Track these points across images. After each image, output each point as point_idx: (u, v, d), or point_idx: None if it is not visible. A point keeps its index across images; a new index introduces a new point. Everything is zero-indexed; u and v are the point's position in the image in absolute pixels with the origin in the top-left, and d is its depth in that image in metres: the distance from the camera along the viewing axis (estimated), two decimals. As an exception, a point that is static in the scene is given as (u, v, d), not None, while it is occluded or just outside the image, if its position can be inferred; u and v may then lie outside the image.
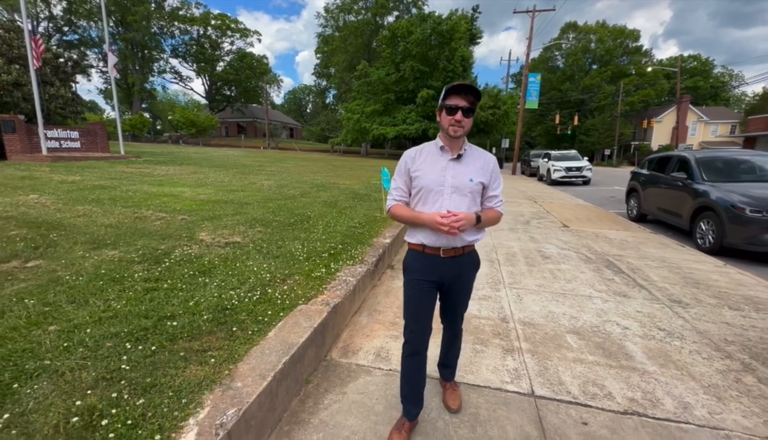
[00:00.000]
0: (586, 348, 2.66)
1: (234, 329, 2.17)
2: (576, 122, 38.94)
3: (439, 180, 1.64)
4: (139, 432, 1.38)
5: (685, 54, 57.75)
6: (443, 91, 1.59)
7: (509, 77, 38.42)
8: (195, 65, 50.82)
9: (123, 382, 1.65)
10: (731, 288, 3.94)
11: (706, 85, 51.50)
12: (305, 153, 34.68)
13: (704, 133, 43.09)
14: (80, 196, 6.13)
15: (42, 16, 38.80)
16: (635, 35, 51.52)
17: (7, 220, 4.27)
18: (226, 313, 2.35)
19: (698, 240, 5.79)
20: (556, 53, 54.68)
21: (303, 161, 20.58)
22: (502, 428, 1.87)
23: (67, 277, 2.75)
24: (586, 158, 18.53)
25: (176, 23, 47.50)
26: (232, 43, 51.93)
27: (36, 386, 1.60)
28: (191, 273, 2.99)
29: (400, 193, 1.76)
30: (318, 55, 48.42)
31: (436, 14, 30.23)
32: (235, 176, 10.58)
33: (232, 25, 50.30)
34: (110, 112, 64.14)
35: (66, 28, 41.43)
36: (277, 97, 74.69)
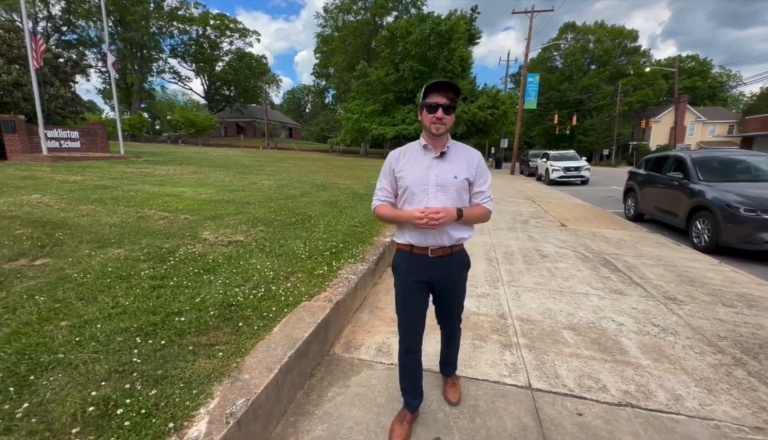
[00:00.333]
0: (582, 343, 2.73)
1: (240, 324, 2.24)
2: (574, 122, 39.07)
3: (423, 179, 1.64)
4: (153, 420, 1.45)
5: (684, 54, 57.98)
6: (423, 90, 1.61)
7: (508, 77, 38.52)
8: (194, 65, 50.87)
9: (135, 374, 1.71)
10: (725, 286, 4.02)
11: (704, 85, 51.70)
12: (304, 153, 34.73)
13: (702, 133, 43.27)
14: (83, 195, 6.18)
15: (41, 15, 38.77)
16: (633, 35, 51.72)
17: (12, 220, 4.32)
18: (232, 309, 2.42)
19: (694, 239, 5.87)
20: (555, 53, 54.84)
21: (302, 161, 20.64)
22: (500, 419, 1.94)
23: (75, 275, 2.81)
24: (584, 158, 18.63)
25: (175, 23, 47.56)
26: (231, 43, 52.06)
27: (51, 378, 1.66)
28: (196, 271, 3.05)
29: (384, 193, 1.76)
30: (317, 55, 48.51)
31: (435, 14, 30.30)
32: (235, 176, 10.63)
33: (231, 25, 50.38)
34: (109, 112, 64.16)
35: (65, 28, 41.42)
36: (276, 97, 74.81)
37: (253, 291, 2.70)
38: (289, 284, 2.92)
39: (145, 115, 46.64)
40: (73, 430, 1.38)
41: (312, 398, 2.06)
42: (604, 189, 15.19)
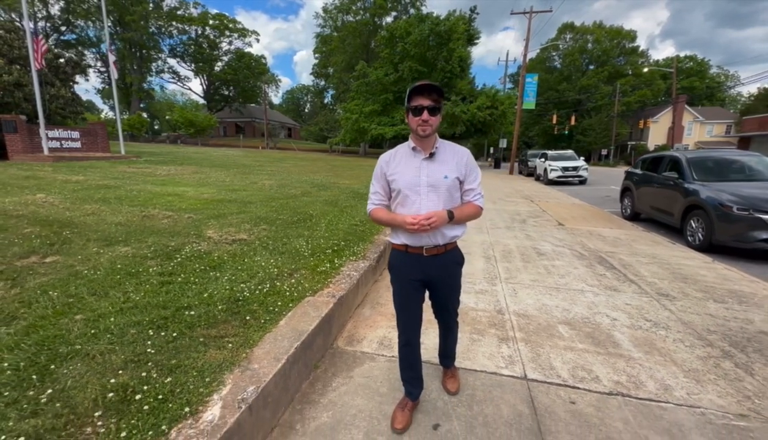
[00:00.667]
0: (576, 337, 2.83)
1: (247, 318, 2.33)
2: (573, 122, 39.22)
3: (414, 180, 1.67)
4: (170, 405, 1.54)
5: (682, 54, 58.24)
6: (407, 94, 1.63)
7: (507, 77, 38.62)
8: (193, 65, 50.89)
9: (150, 364, 1.80)
10: (717, 283, 4.12)
11: (702, 85, 51.94)
12: (304, 153, 34.81)
13: (700, 133, 43.47)
14: (86, 195, 6.26)
15: (40, 15, 38.77)
16: (632, 36, 51.92)
17: (20, 219, 4.40)
18: (239, 304, 2.51)
19: (688, 238, 5.98)
20: (554, 54, 55.00)
21: (302, 161, 20.72)
22: (497, 406, 2.03)
23: (85, 271, 2.90)
24: (582, 158, 18.75)
25: (174, 23, 47.57)
26: (230, 43, 52.08)
27: (71, 367, 1.75)
28: (202, 268, 3.14)
29: (378, 197, 1.80)
30: (316, 55, 48.56)
31: (434, 15, 30.41)
32: (236, 176, 10.71)
33: (230, 25, 50.40)
34: (108, 112, 64.15)
35: (63, 28, 41.40)
36: (275, 97, 74.83)
37: (259, 287, 2.79)
38: (293, 280, 3.01)
39: (144, 115, 46.68)
40: (96, 414, 1.47)
41: (317, 388, 2.15)
42: (602, 188, 15.31)
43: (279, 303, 2.56)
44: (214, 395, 1.63)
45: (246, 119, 54.87)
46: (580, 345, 2.70)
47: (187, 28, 48.67)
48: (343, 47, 40.12)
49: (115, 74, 15.61)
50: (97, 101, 68.28)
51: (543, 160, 18.97)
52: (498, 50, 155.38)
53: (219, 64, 51.87)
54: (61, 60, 16.68)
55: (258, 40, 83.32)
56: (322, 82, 53.00)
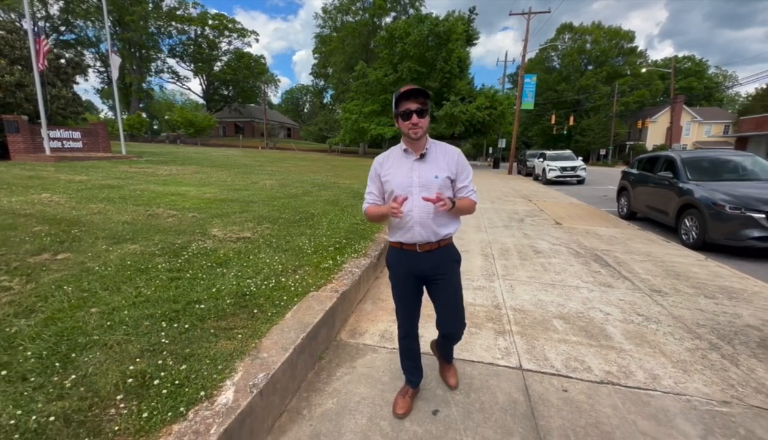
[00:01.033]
0: (570, 330, 2.94)
1: (255, 311, 2.44)
2: (572, 122, 39.38)
3: (406, 181, 1.72)
4: (186, 390, 1.64)
5: (680, 55, 58.60)
6: (393, 100, 1.67)
7: (506, 77, 38.75)
8: (192, 65, 50.93)
9: (165, 353, 1.91)
10: (709, 280, 4.24)
11: (700, 85, 52.19)
12: (303, 153, 34.90)
13: (698, 133, 43.69)
14: (90, 194, 6.36)
15: (39, 15, 38.80)
16: (630, 36, 52.11)
17: (28, 217, 4.50)
18: (246, 298, 2.61)
19: (683, 236, 6.10)
20: (552, 54, 55.17)
21: (302, 161, 20.82)
22: (493, 394, 2.14)
23: (97, 268, 3.00)
24: (580, 158, 18.90)
25: (174, 23, 47.60)
26: (229, 43, 52.11)
27: (90, 355, 1.85)
28: (209, 264, 3.25)
29: (372, 197, 1.87)
30: (316, 56, 48.61)
31: (434, 15, 30.55)
32: (237, 176, 10.81)
33: (230, 25, 50.44)
34: (107, 112, 64.17)
35: (63, 28, 41.44)
36: (275, 97, 74.90)
37: (265, 283, 2.89)
38: (297, 276, 3.11)
39: (143, 115, 46.70)
40: (118, 397, 1.58)
41: (322, 377, 2.26)
42: (600, 188, 15.44)
43: (284, 298, 2.66)
44: (227, 381, 1.73)
45: (245, 119, 54.94)
46: (573, 338, 2.81)
47: (186, 28, 48.72)
48: (342, 47, 40.22)
49: (115, 74, 15.69)
50: (96, 101, 68.31)
51: (541, 159, 19.10)
52: (497, 50, 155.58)
53: (218, 64, 51.95)
54: (62, 60, 16.74)
55: (257, 40, 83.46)
56: (322, 82, 53.07)
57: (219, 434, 1.42)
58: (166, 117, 51.22)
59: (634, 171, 8.49)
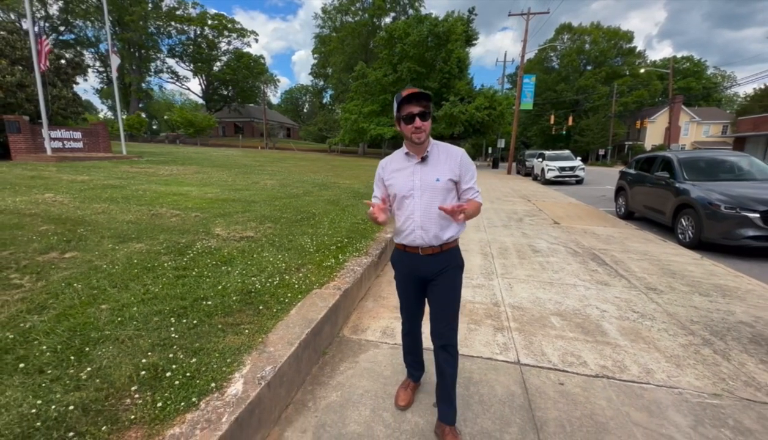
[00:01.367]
0: (567, 327, 3.01)
1: (260, 308, 2.50)
2: (571, 122, 39.57)
3: (408, 185, 1.71)
4: (197, 381, 1.71)
5: (679, 55, 58.79)
6: (395, 103, 1.65)
7: (505, 77, 38.90)
8: (192, 65, 50.93)
9: (175, 347, 1.98)
10: (704, 278, 4.31)
11: (699, 86, 52.36)
12: (303, 153, 34.96)
13: (696, 133, 43.85)
14: (94, 194, 6.42)
15: (38, 15, 38.79)
16: (629, 36, 52.26)
17: (34, 217, 4.56)
18: (251, 295, 2.68)
19: (679, 236, 6.18)
20: (551, 54, 55.30)
21: (302, 161, 20.88)
22: (492, 387, 2.21)
23: (104, 266, 3.06)
24: (579, 158, 18.98)
25: (173, 23, 47.61)
26: (229, 43, 52.12)
27: (104, 349, 1.92)
28: (214, 263, 3.31)
29: (377, 200, 1.84)
30: (315, 56, 48.70)
31: (433, 16, 30.63)
32: (237, 176, 10.87)
33: (229, 25, 50.45)
34: (106, 112, 64.14)
35: (62, 28, 41.44)
36: (274, 97, 74.91)
37: (269, 280, 2.96)
38: (300, 274, 3.18)
39: (143, 115, 46.72)
40: (132, 388, 1.64)
41: (326, 371, 2.33)
42: (599, 188, 15.52)
43: (289, 295, 2.73)
44: (236, 373, 1.80)
45: (245, 119, 54.98)
46: (570, 334, 2.89)
47: (185, 28, 48.73)
48: (342, 48, 40.28)
49: (115, 74, 15.74)
50: (95, 101, 68.24)
51: (540, 160, 19.19)
52: (496, 50, 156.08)
53: (218, 64, 51.96)
54: (62, 61, 16.79)
55: (257, 41, 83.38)
56: (321, 82, 53.15)
57: (230, 422, 1.49)
58: (165, 117, 51.28)
59: (632, 171, 8.57)
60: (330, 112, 56.80)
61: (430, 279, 1.80)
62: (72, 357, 1.83)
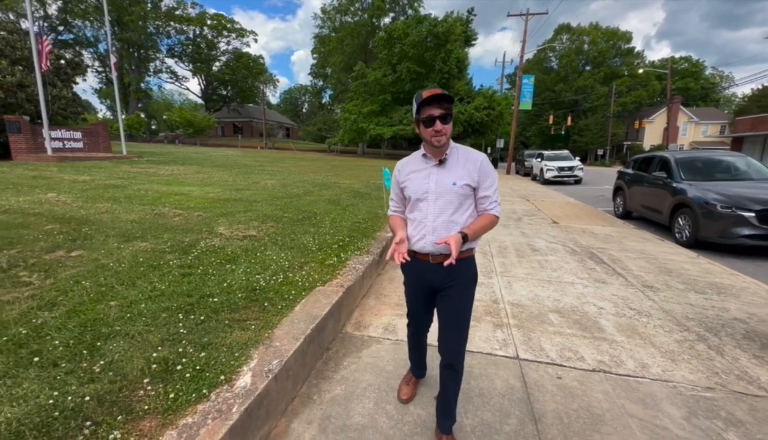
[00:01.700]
0: (565, 323, 3.08)
1: (265, 304, 2.56)
2: (569, 123, 39.64)
3: (422, 187, 1.64)
4: (207, 374, 1.77)
5: (677, 55, 58.86)
6: (414, 105, 1.58)
7: (504, 78, 39.01)
8: (191, 65, 50.93)
9: (184, 342, 2.03)
10: (700, 276, 4.38)
11: (697, 86, 52.57)
12: (302, 153, 35.00)
13: (695, 133, 44.01)
14: (96, 194, 6.46)
15: (37, 15, 38.74)
16: (627, 37, 52.43)
17: (38, 216, 4.61)
18: (256, 292, 2.74)
19: (676, 235, 6.25)
20: (550, 54, 55.45)
21: (301, 161, 20.93)
22: (491, 381, 2.28)
23: (111, 264, 3.12)
24: (577, 158, 19.07)
25: (172, 23, 47.60)
26: (228, 43, 52.12)
27: (115, 344, 1.98)
28: (218, 261, 3.37)
29: (394, 204, 1.84)
30: (314, 56, 48.76)
31: (432, 16, 30.73)
32: (238, 176, 10.92)
33: (228, 25, 50.44)
34: (105, 112, 64.08)
35: (61, 28, 41.41)
36: (273, 97, 74.91)
37: (273, 278, 3.02)
38: (303, 272, 3.24)
39: (142, 115, 46.71)
40: (145, 380, 1.70)
41: (330, 366, 2.39)
42: (597, 188, 15.61)
43: (293, 292, 2.79)
44: (244, 367, 1.86)
45: (244, 119, 55.00)
46: (568, 331, 2.95)
47: (185, 28, 48.72)
48: (341, 48, 40.34)
49: (114, 74, 15.77)
50: (94, 101, 68.10)
51: (539, 160, 19.27)
52: (495, 50, 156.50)
53: (217, 64, 51.97)
54: (62, 61, 16.81)
55: (256, 41, 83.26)
56: (320, 83, 53.23)
57: (240, 413, 1.54)
58: (164, 117, 51.24)
59: (630, 171, 8.65)
60: (329, 112, 56.85)
61: (440, 289, 1.71)
62: (84, 352, 1.89)
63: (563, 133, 45.07)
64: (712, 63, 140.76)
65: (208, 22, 48.90)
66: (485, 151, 45.22)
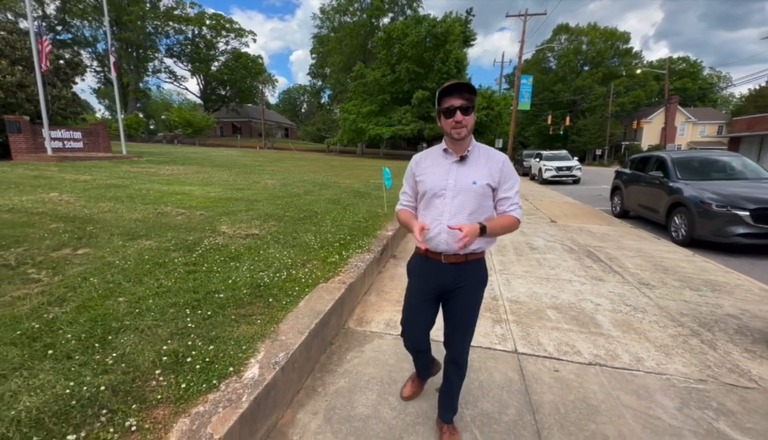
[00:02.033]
0: (562, 319, 3.15)
1: (270, 300, 2.62)
2: (568, 123, 39.77)
3: (441, 183, 1.57)
4: (216, 366, 1.83)
5: (675, 56, 59.11)
6: (437, 95, 1.54)
7: (503, 78, 39.24)
8: (190, 65, 50.92)
9: (193, 336, 2.09)
10: (695, 274, 4.46)
11: (695, 86, 52.78)
12: (301, 153, 35.03)
13: (692, 133, 44.17)
14: (98, 193, 6.51)
15: (35, 15, 38.62)
16: (625, 37, 52.61)
17: (42, 216, 4.66)
18: (261, 289, 2.80)
19: (672, 234, 6.33)
20: (549, 55, 55.58)
21: (301, 161, 20.97)
22: (491, 374, 2.34)
23: (117, 262, 3.17)
24: (576, 158, 19.16)
25: (171, 23, 47.58)
26: (227, 43, 52.13)
27: (125, 338, 2.04)
28: (222, 259, 3.43)
29: (406, 198, 1.74)
30: (313, 56, 48.86)
31: (431, 17, 30.83)
32: (238, 175, 10.97)
33: (227, 25, 50.47)
34: (104, 112, 64.02)
35: (59, 28, 41.34)
36: (272, 97, 74.94)
37: (277, 275, 3.08)
38: (306, 269, 3.30)
39: (140, 115, 46.66)
40: (156, 372, 1.76)
41: (333, 360, 2.45)
42: (595, 188, 15.70)
43: (296, 288, 2.85)
44: (252, 359, 1.92)
45: (243, 119, 55.02)
46: (565, 326, 3.02)
47: (183, 28, 48.71)
48: (340, 48, 40.41)
49: (113, 74, 15.79)
50: (92, 101, 68.07)
51: (538, 159, 19.36)
52: (494, 50, 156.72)
53: (216, 64, 51.97)
54: (62, 61, 16.83)
55: (255, 41, 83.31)
56: (319, 83, 53.32)
57: (250, 402, 1.61)
58: (162, 117, 51.25)
59: (627, 171, 8.73)
60: (328, 112, 56.90)
61: (448, 292, 1.67)
62: (96, 345, 1.95)
63: (562, 133, 45.20)
64: (710, 63, 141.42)
65: (207, 21, 48.89)
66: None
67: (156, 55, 48.96)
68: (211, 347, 1.98)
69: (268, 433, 1.78)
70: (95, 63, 45.00)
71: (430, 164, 1.65)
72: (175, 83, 52.64)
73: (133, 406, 1.54)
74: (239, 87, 53.25)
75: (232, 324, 2.25)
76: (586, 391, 2.19)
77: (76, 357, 1.84)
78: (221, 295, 2.62)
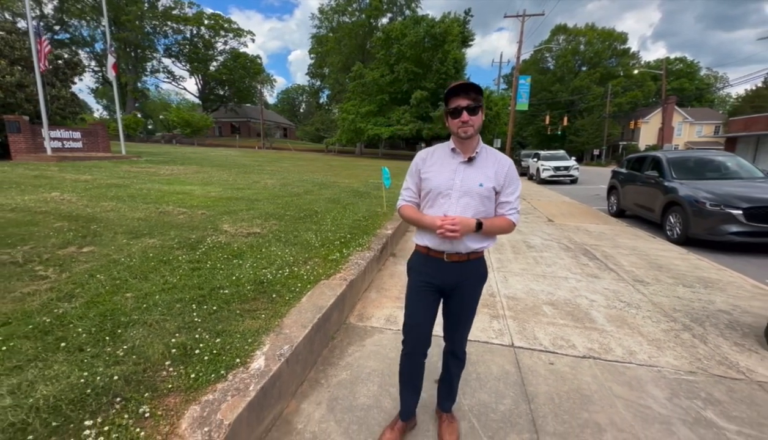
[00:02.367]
0: (558, 315, 3.23)
1: (273, 296, 2.69)
2: (566, 123, 39.94)
3: (447, 183, 1.59)
4: (224, 357, 1.90)
5: (673, 56, 59.30)
6: (444, 96, 1.57)
7: (501, 78, 39.32)
8: (188, 65, 50.88)
9: (199, 329, 2.16)
10: (688, 271, 4.55)
11: (692, 86, 53.08)
12: (300, 153, 35.06)
13: (689, 133, 44.40)
14: (99, 193, 6.56)
15: (33, 14, 38.53)
16: (623, 38, 52.86)
17: (46, 215, 4.72)
18: (264, 285, 2.87)
19: (667, 232, 6.42)
20: (547, 55, 55.80)
21: (300, 161, 21.03)
22: (488, 367, 2.42)
23: (122, 259, 3.24)
24: (573, 158, 19.28)
25: (169, 23, 47.54)
26: (225, 43, 52.09)
27: (134, 332, 2.10)
28: (225, 256, 3.50)
29: (409, 194, 1.74)
30: (312, 56, 48.85)
31: (429, 17, 30.93)
32: (238, 175, 11.02)
33: (226, 25, 50.44)
34: (102, 112, 63.89)
35: (57, 27, 41.26)
36: (270, 97, 74.91)
37: (279, 272, 3.15)
38: (308, 267, 3.37)
39: (138, 115, 46.59)
40: (166, 363, 1.83)
41: (335, 354, 2.52)
42: (592, 187, 15.81)
43: (299, 285, 2.92)
44: (257, 351, 1.99)
45: (241, 119, 55.00)
46: (561, 321, 3.10)
47: (182, 28, 48.66)
48: (338, 48, 40.45)
49: (112, 75, 15.80)
50: (90, 101, 67.82)
51: (535, 159, 19.47)
52: (492, 50, 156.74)
53: (214, 63, 51.94)
54: (60, 61, 16.84)
55: (253, 40, 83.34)
56: (318, 83, 53.30)
57: (257, 391, 1.68)
58: (161, 117, 51.19)
59: (623, 170, 8.83)
60: (327, 112, 56.95)
61: (449, 290, 1.69)
62: (107, 338, 2.01)
63: (560, 133, 45.37)
64: (707, 64, 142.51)
65: (206, 21, 48.86)
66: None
67: (154, 54, 48.95)
68: (218, 340, 2.05)
69: (274, 421, 1.85)
70: (93, 63, 44.96)
71: (435, 162, 1.66)
72: (173, 83, 52.66)
73: (146, 394, 1.61)
74: (238, 87, 53.23)
75: (238, 319, 2.32)
76: (580, 382, 2.27)
77: (88, 350, 1.90)
78: (226, 291, 2.69)
